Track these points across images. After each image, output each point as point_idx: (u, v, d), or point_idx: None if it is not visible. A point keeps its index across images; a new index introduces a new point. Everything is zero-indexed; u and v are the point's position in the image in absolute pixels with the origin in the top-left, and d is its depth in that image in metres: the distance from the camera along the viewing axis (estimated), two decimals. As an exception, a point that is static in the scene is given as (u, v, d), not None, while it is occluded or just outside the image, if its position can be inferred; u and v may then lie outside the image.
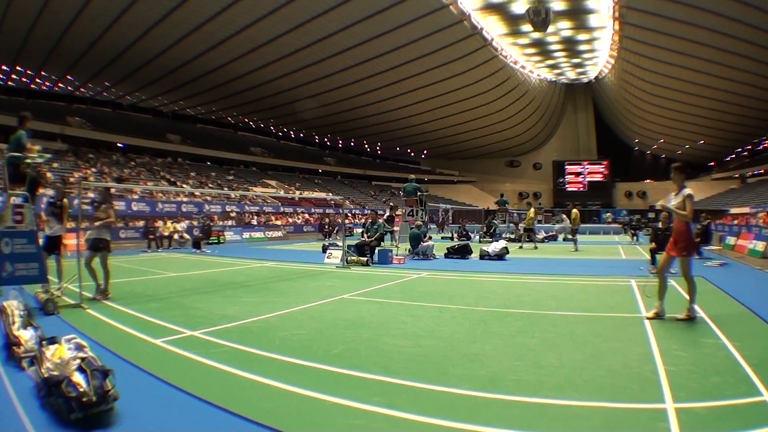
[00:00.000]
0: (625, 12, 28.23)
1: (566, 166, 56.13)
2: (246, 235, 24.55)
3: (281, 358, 3.52)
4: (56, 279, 6.29)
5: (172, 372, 3.19)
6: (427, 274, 8.97)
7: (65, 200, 6.77)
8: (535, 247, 16.01)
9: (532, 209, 17.47)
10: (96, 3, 22.13)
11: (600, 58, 41.17)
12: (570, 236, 15.71)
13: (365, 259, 10.89)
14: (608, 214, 42.01)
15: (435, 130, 48.40)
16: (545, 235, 22.05)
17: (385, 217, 14.59)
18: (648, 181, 55.08)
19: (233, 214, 29.19)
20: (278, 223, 30.68)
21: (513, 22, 32.28)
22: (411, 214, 13.62)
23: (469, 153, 57.88)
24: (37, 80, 33.45)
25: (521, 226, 17.40)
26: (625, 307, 5.54)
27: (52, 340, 3.19)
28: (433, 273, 9.13)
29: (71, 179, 20.01)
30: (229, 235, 22.74)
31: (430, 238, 13.09)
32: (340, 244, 11.37)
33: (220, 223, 26.22)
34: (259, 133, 49.96)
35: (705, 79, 32.89)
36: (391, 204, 19.27)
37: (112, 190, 23.78)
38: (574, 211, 15.75)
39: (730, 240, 16.78)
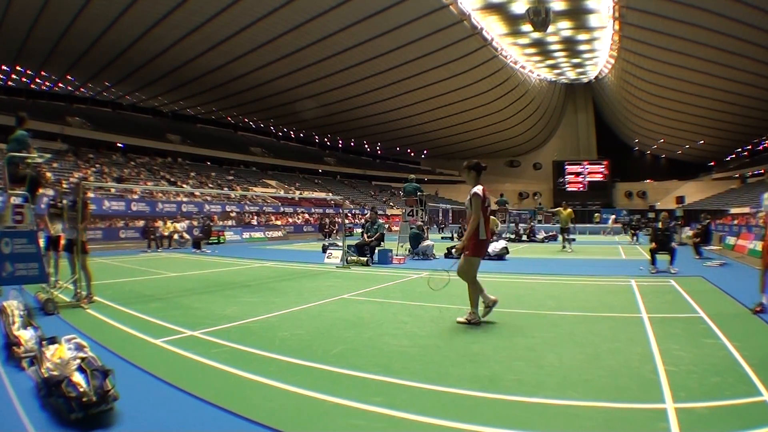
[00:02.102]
0: (625, 12, 28.24)
1: (566, 166, 56.12)
2: (246, 235, 24.55)
3: (281, 358, 3.52)
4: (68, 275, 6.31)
5: (172, 372, 3.19)
6: (428, 273, 8.95)
7: (65, 201, 6.82)
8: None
9: (569, 210, 17.30)
10: (96, 3, 22.15)
11: (600, 58, 41.17)
12: (563, 236, 15.98)
13: (365, 259, 10.88)
14: (597, 214, 41.68)
15: (435, 130, 48.41)
16: (545, 235, 22.06)
17: (367, 216, 14.31)
18: (648, 181, 55.11)
19: (233, 214, 29.21)
20: (278, 223, 30.70)
21: (513, 22, 32.30)
22: (411, 214, 13.62)
23: (469, 153, 57.66)
24: (37, 80, 33.47)
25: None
26: (625, 307, 5.54)
27: (52, 340, 3.19)
28: (433, 273, 9.10)
29: (63, 183, 19.95)
30: (229, 235, 22.74)
31: (428, 229, 13.07)
32: (340, 244, 11.37)
33: (220, 223, 26.23)
34: (259, 133, 49.98)
35: (705, 79, 32.90)
36: (371, 207, 19.23)
37: (112, 190, 23.88)
38: (568, 210, 15.89)
39: (730, 240, 16.77)
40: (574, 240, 18.18)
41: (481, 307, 4.73)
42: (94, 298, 5.94)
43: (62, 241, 6.67)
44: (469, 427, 2.33)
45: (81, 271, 5.92)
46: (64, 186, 15.26)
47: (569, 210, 15.94)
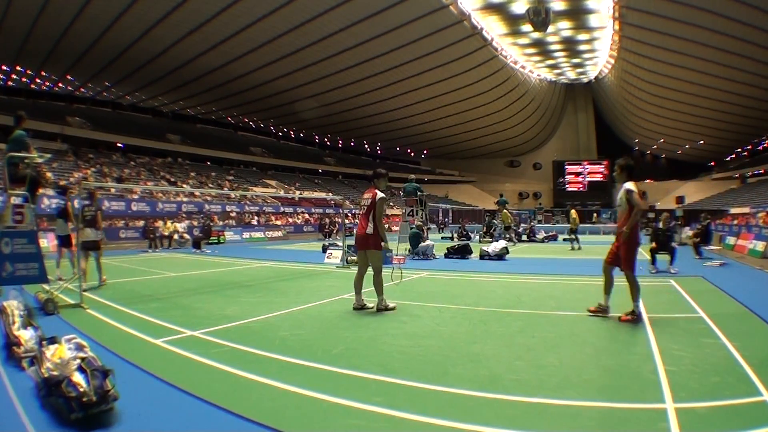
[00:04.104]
0: (625, 12, 28.24)
1: (566, 166, 56.12)
2: (246, 235, 24.55)
3: (281, 358, 3.52)
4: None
5: (172, 372, 3.19)
6: (427, 274, 8.96)
7: (68, 202, 8.00)
8: (579, 248, 15.59)
9: (574, 210, 17.50)
10: (96, 3, 22.14)
11: (600, 58, 41.17)
12: (568, 236, 16.11)
13: (365, 259, 10.86)
14: (594, 215, 42.68)
15: (435, 130, 48.41)
16: (545, 234, 22.08)
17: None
18: (648, 181, 55.05)
19: (233, 214, 29.20)
20: (278, 223, 30.69)
21: (513, 22, 32.30)
22: (411, 214, 13.62)
23: (469, 153, 57.90)
24: (37, 80, 33.45)
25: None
26: (625, 307, 5.53)
27: (52, 340, 3.19)
28: (433, 273, 9.12)
29: (62, 182, 20.00)
30: (229, 235, 22.74)
31: (428, 229, 13.15)
32: (340, 244, 11.37)
33: (220, 223, 26.22)
34: (259, 133, 49.96)
35: (705, 79, 32.89)
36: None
37: (112, 190, 23.88)
38: (573, 211, 16.09)
39: (730, 240, 16.77)
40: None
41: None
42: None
43: (73, 240, 7.73)
44: (469, 427, 2.33)
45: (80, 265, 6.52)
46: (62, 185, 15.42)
47: (573, 210, 16.27)
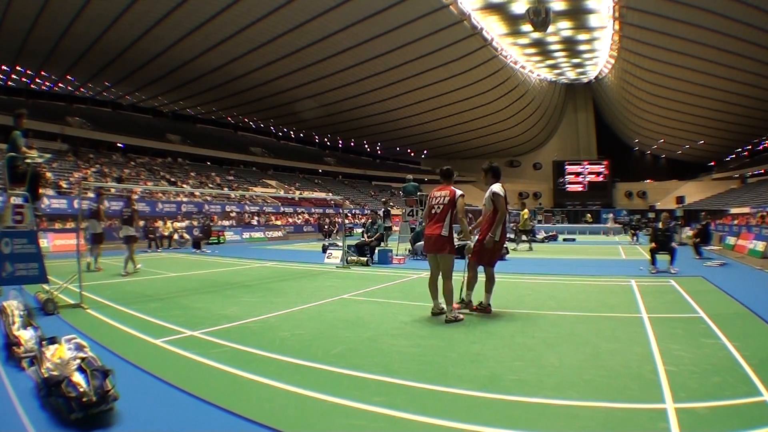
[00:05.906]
0: (625, 12, 28.24)
1: (566, 166, 56.04)
2: (246, 235, 24.55)
3: (281, 358, 3.52)
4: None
5: (172, 372, 3.19)
6: (427, 274, 8.95)
7: (100, 204, 10.23)
8: (530, 248, 15.79)
9: (526, 210, 17.01)
10: (96, 3, 22.13)
11: (600, 58, 41.16)
12: (515, 236, 16.59)
13: (365, 259, 10.88)
14: (588, 215, 42.88)
15: (435, 130, 48.39)
16: (545, 235, 22.10)
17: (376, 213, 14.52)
18: (648, 181, 55.08)
19: (233, 214, 29.20)
20: (278, 223, 30.68)
21: (513, 22, 32.29)
22: (411, 214, 13.62)
23: (469, 153, 57.82)
24: (37, 80, 33.44)
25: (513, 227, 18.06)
26: (625, 307, 5.54)
27: (52, 340, 3.19)
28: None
29: (62, 183, 19.99)
30: (229, 235, 22.74)
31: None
32: (340, 244, 11.37)
33: (220, 223, 26.21)
34: (259, 133, 49.95)
35: (705, 79, 32.88)
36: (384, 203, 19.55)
37: (112, 191, 23.88)
38: (524, 210, 16.49)
39: (730, 240, 16.77)
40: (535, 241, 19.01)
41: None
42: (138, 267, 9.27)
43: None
44: (469, 427, 2.33)
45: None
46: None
47: (525, 210, 16.57)
